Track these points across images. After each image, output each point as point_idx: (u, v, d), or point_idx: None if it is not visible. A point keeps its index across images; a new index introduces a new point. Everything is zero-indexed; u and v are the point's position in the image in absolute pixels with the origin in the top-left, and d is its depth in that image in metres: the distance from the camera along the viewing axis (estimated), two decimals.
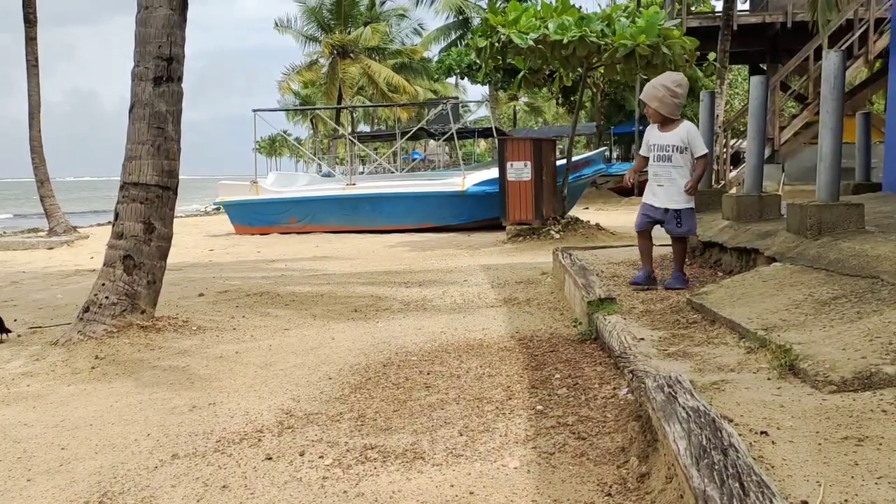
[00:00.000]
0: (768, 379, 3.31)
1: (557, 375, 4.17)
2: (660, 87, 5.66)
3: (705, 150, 5.79)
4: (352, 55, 39.14)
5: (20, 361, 5.13)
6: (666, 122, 5.75)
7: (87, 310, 5.71)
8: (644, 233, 5.92)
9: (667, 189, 5.72)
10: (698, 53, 12.81)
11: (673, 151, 5.69)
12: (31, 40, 19.04)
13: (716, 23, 21.70)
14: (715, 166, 13.15)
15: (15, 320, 6.62)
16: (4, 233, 22.35)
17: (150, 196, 5.86)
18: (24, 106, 18.74)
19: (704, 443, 2.33)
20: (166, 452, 3.39)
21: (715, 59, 20.99)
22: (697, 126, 6.59)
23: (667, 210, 5.72)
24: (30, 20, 19.03)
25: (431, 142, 38.18)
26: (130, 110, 5.95)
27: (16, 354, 5.33)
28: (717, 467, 2.16)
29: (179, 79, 6.03)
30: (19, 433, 3.75)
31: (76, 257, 13.81)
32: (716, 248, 6.71)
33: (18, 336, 5.92)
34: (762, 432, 2.65)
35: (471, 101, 47.41)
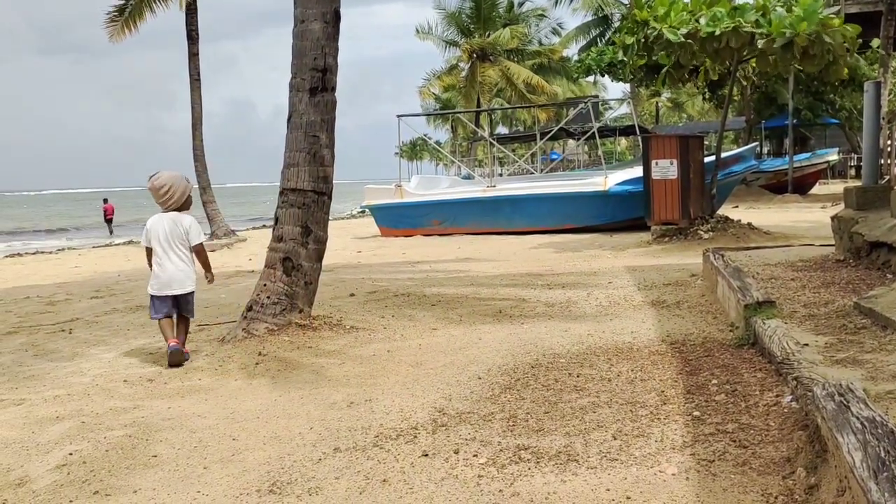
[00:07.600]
0: None
1: (714, 381, 4.04)
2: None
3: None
4: (491, 58, 39.30)
5: (191, 356, 5.51)
6: None
7: (250, 309, 6.06)
8: None
9: None
10: (860, 41, 12.02)
11: None
12: (193, 56, 20.39)
13: (878, 7, 20.31)
14: (881, 160, 12.33)
15: None
16: None
17: (307, 201, 6.15)
18: (182, 118, 20.14)
19: (882, 455, 2.21)
20: (328, 446, 3.55)
21: (878, 47, 19.65)
22: (852, 121, 5.98)
23: None
24: (192, 37, 20.38)
25: (570, 142, 37.73)
26: (288, 120, 6.26)
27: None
28: None
29: (333, 88, 6.29)
30: (194, 423, 4.03)
31: (236, 259, 14.65)
32: (884, 248, 6.30)
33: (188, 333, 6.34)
34: None
35: (611, 100, 46.57)
